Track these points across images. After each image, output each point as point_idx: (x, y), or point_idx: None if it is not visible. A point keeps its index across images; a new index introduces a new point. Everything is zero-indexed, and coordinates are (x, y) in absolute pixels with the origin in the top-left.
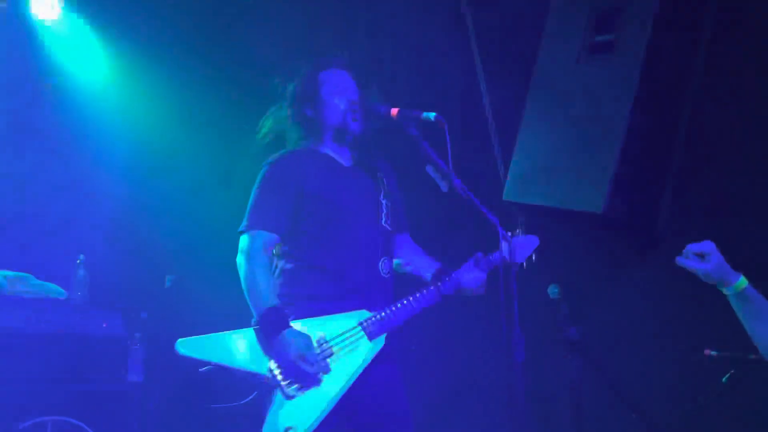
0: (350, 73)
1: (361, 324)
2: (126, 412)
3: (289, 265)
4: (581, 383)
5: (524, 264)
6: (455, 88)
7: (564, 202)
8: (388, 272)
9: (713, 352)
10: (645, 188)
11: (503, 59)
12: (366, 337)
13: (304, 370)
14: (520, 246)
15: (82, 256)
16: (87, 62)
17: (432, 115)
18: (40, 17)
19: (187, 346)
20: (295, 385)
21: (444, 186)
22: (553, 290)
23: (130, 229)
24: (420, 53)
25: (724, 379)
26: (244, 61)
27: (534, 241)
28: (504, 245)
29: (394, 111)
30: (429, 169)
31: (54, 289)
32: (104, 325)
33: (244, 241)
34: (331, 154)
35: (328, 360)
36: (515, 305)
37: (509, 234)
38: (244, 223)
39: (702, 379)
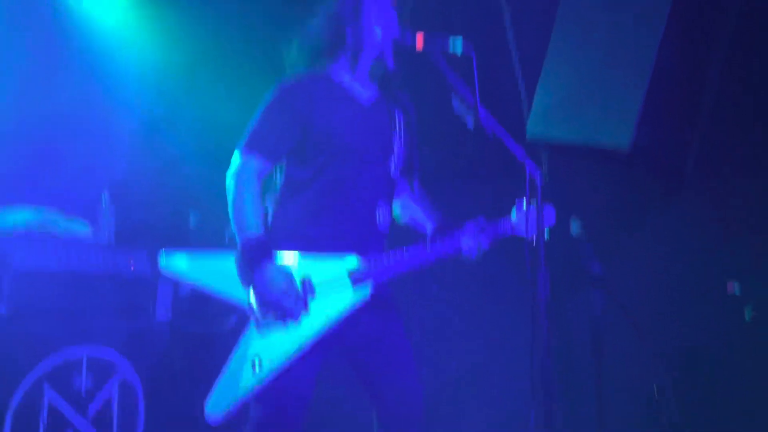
0: (393, 4)
1: (348, 270)
2: (155, 350)
3: (280, 198)
4: (603, 320)
5: (534, 238)
6: (478, 23)
7: (590, 138)
8: (385, 221)
9: (736, 287)
10: (673, 127)
11: None
12: (351, 284)
13: (282, 306)
14: (534, 216)
15: (106, 194)
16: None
17: (459, 44)
18: None
19: (170, 263)
20: (271, 319)
21: (470, 121)
22: (575, 226)
23: (154, 167)
24: None
25: (747, 317)
26: None
27: (550, 212)
28: (517, 210)
29: (420, 37)
30: (454, 102)
31: (80, 227)
32: (132, 268)
33: (237, 160)
34: (350, 87)
35: (309, 300)
36: (541, 244)
37: (523, 203)
38: (243, 141)
39: (724, 317)
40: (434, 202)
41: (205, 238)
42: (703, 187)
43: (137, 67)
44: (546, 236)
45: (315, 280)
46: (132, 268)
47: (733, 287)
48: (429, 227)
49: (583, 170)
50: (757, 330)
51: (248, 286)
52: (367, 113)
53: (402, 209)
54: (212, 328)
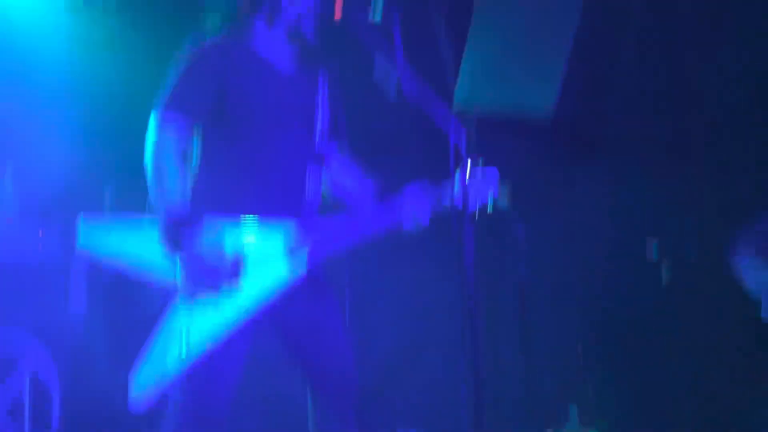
0: None
1: (284, 240)
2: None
3: (198, 161)
4: (527, 285)
5: (487, 207)
6: None
7: (514, 107)
8: (316, 189)
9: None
10: (593, 92)
11: None
12: (286, 255)
13: (212, 278)
14: (478, 184)
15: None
16: None
17: (379, 14)
18: None
19: (89, 236)
20: (200, 294)
21: (393, 90)
22: (501, 192)
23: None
24: None
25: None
26: None
27: (493, 174)
28: (459, 175)
29: (338, 9)
30: (377, 72)
31: None
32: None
33: (154, 122)
34: (268, 53)
35: (241, 271)
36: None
37: (466, 170)
38: (162, 99)
39: (645, 276)
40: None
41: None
42: (625, 149)
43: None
44: (489, 210)
45: (248, 250)
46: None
47: (651, 249)
48: (364, 199)
49: (509, 139)
50: (674, 293)
51: (175, 257)
52: (284, 83)
53: (332, 183)
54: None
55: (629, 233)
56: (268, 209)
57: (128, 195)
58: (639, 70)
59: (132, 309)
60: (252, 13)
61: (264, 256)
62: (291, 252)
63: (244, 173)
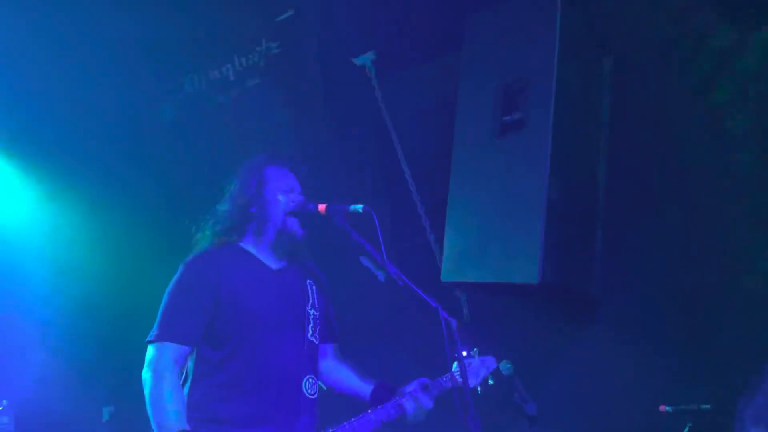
0: (294, 173)
1: None
2: None
3: (200, 381)
4: None
5: (479, 388)
6: (380, 177)
7: (500, 275)
8: (314, 393)
9: (668, 408)
10: (575, 254)
11: (423, 142)
12: None
13: None
14: (476, 368)
15: (4, 401)
16: (5, 195)
17: (360, 207)
18: None
19: None
20: None
21: (381, 275)
22: (505, 366)
23: (62, 362)
24: (342, 146)
25: None
26: (166, 179)
27: (491, 363)
28: (458, 364)
29: (322, 207)
30: (363, 260)
31: None
32: None
33: (151, 352)
34: (258, 254)
35: None
36: (467, 388)
37: (465, 355)
38: (153, 332)
39: None
40: (360, 364)
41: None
42: (613, 304)
43: (42, 259)
44: (491, 382)
45: None
46: None
47: (665, 409)
48: (366, 390)
49: (501, 307)
50: None
51: None
52: (277, 277)
53: (330, 376)
54: None
55: (635, 388)
56: (262, 417)
57: (125, 415)
58: (616, 224)
59: None
60: (243, 226)
61: None
62: None
63: (238, 386)
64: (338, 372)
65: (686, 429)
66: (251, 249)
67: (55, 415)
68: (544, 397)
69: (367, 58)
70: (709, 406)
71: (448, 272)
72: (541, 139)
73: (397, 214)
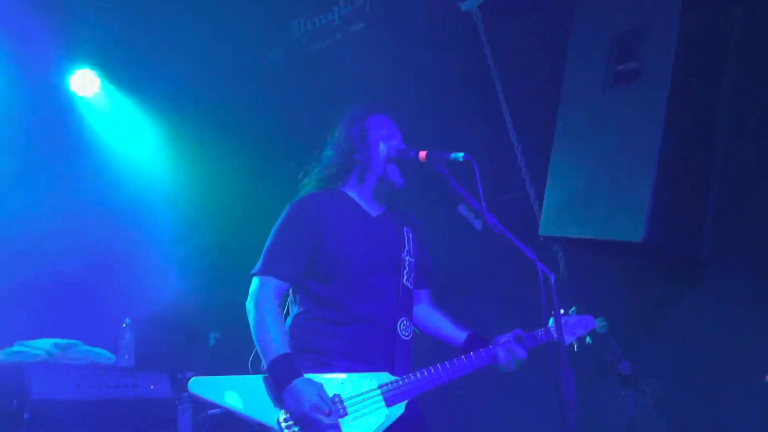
0: (395, 121)
1: (381, 387)
2: None
3: (301, 315)
4: (639, 419)
5: (575, 346)
6: (481, 127)
7: (602, 232)
8: (409, 335)
9: None
10: (684, 215)
11: (528, 93)
12: (384, 403)
13: (314, 421)
14: (572, 326)
15: (127, 319)
16: (129, 133)
17: (460, 155)
18: (80, 93)
19: (199, 386)
20: None
21: (478, 224)
22: (600, 324)
23: (173, 290)
24: (443, 94)
25: None
26: (276, 121)
27: (590, 322)
28: (554, 320)
29: (423, 154)
30: (461, 208)
31: (102, 354)
32: (152, 387)
33: (254, 285)
34: (359, 200)
35: (340, 421)
36: (562, 343)
37: (561, 313)
38: (257, 266)
39: (761, 407)
40: (453, 312)
41: (227, 357)
42: (721, 272)
43: (158, 198)
44: (588, 341)
45: (346, 397)
46: (152, 387)
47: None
48: (459, 337)
49: (599, 264)
50: None
51: (279, 405)
52: (375, 223)
53: (424, 322)
54: None
55: (736, 357)
56: (360, 352)
57: (229, 343)
58: (731, 189)
59: None
60: (348, 173)
61: (364, 400)
62: (391, 398)
63: (337, 319)
64: (432, 318)
65: None
66: (353, 194)
67: (170, 338)
68: (639, 360)
69: (473, 3)
70: None
71: (547, 226)
72: (657, 92)
73: (497, 165)
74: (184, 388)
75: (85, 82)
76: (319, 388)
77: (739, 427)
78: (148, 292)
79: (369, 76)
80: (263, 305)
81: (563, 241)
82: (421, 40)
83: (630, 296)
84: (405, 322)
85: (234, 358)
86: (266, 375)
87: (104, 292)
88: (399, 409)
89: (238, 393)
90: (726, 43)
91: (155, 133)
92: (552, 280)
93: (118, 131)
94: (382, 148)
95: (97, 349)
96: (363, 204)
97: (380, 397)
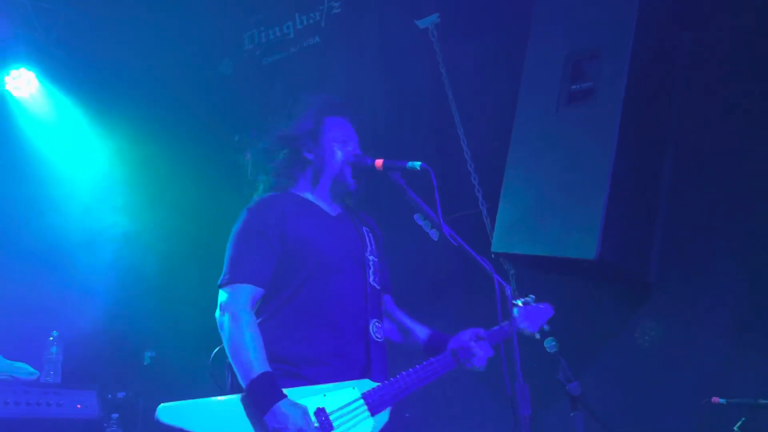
0: (352, 124)
1: (364, 397)
2: None
3: (268, 324)
4: None
5: (537, 334)
6: (435, 145)
7: (556, 249)
8: (381, 337)
9: (722, 400)
10: (634, 234)
11: (483, 111)
12: (369, 413)
13: None
14: (532, 315)
15: (55, 332)
16: (68, 139)
17: (417, 164)
18: (15, 95)
19: (169, 414)
20: None
21: (434, 234)
22: (549, 343)
23: (106, 304)
24: (398, 111)
25: (736, 427)
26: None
27: (548, 310)
28: (515, 313)
29: (379, 162)
30: (417, 218)
31: (24, 369)
32: (78, 407)
33: (225, 296)
34: (316, 201)
35: None
36: (517, 358)
37: (520, 301)
38: (225, 276)
39: (712, 429)
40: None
41: (162, 377)
42: (670, 290)
43: (92, 200)
44: (546, 328)
45: (330, 411)
46: (78, 407)
47: (718, 401)
48: (422, 339)
49: (550, 284)
50: None
51: (261, 428)
52: (336, 223)
53: (387, 325)
54: None
55: (685, 378)
56: (335, 363)
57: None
58: (681, 207)
59: None
60: (295, 172)
61: (348, 412)
62: (374, 406)
63: (304, 324)
64: (398, 319)
65: (740, 423)
66: (308, 196)
67: (101, 355)
68: (588, 379)
69: (430, 21)
70: (764, 401)
71: (499, 243)
72: (610, 111)
73: (450, 182)
74: (114, 407)
75: (21, 83)
76: (304, 411)
77: None
78: (78, 303)
79: (323, 91)
80: (240, 318)
81: (515, 258)
82: (378, 56)
83: (580, 316)
84: (376, 323)
85: (169, 380)
86: (244, 395)
87: (29, 303)
88: (384, 416)
89: (214, 418)
90: (674, 66)
91: (97, 142)
92: (508, 291)
93: (55, 136)
94: (339, 149)
95: (19, 363)
96: (321, 204)
97: (364, 407)
